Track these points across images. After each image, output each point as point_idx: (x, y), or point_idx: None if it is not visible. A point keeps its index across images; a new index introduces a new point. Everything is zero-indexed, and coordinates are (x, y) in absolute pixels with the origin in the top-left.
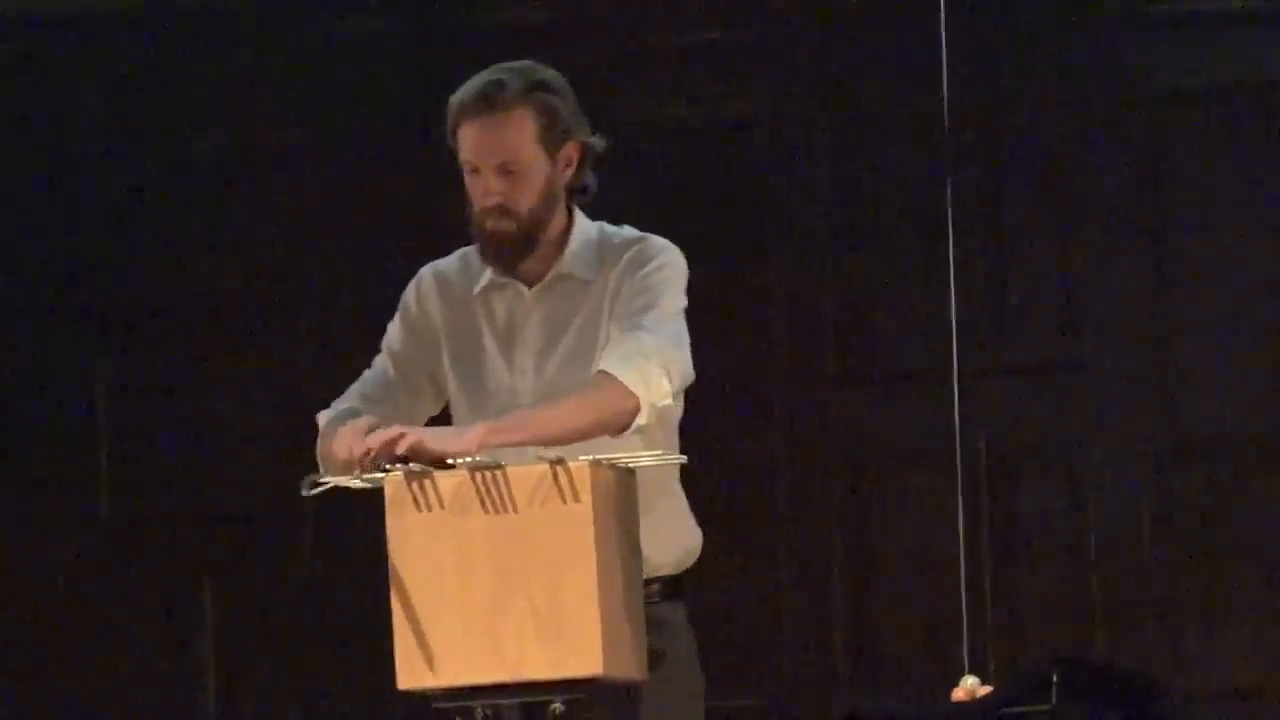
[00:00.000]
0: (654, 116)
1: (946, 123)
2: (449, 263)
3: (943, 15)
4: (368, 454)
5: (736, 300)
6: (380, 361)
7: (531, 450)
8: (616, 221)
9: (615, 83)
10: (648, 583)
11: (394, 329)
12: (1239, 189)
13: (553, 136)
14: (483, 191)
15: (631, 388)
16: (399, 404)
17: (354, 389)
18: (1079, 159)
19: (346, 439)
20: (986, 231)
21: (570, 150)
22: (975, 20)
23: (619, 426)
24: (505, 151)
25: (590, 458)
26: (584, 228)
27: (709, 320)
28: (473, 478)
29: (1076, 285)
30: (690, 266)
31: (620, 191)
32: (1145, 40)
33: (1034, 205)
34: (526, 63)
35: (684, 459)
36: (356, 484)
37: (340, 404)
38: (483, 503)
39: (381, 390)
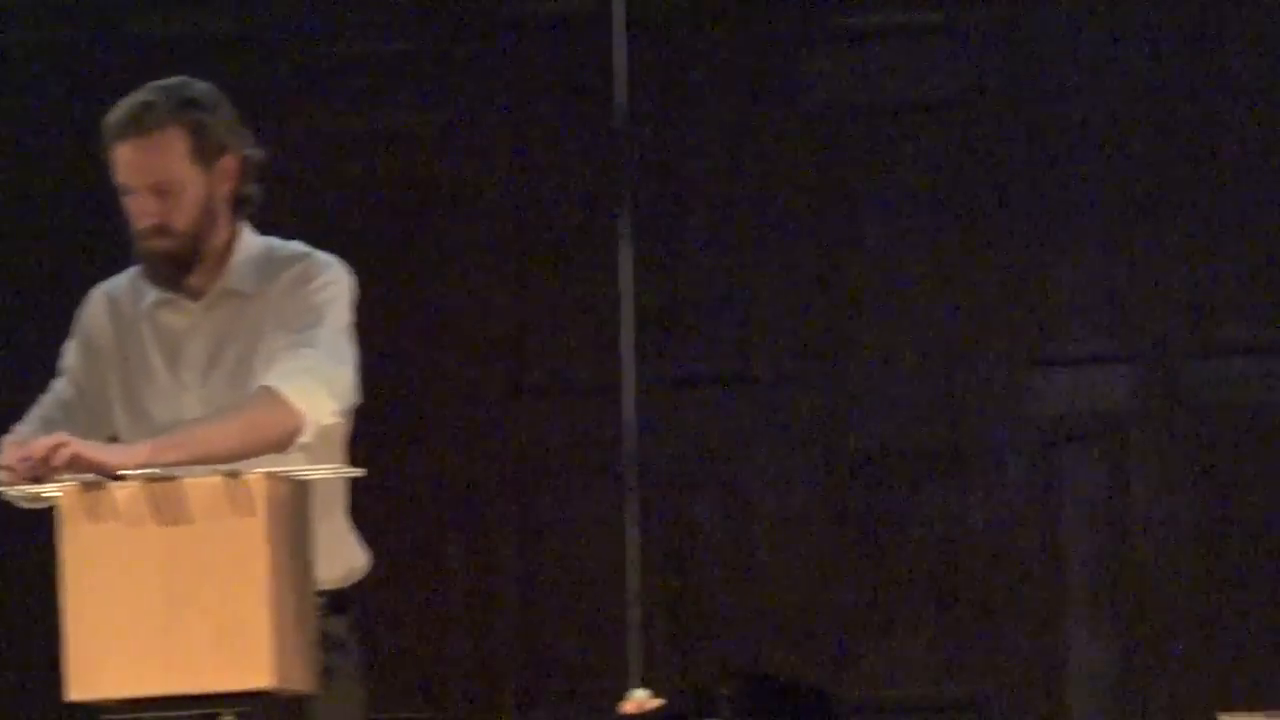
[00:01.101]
0: (329, 126)
1: (621, 138)
2: (118, 281)
3: (615, 28)
4: (27, 462)
5: (408, 313)
6: (58, 383)
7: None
8: (289, 234)
9: (290, 93)
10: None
11: (69, 350)
12: (912, 203)
13: (206, 153)
14: (139, 212)
15: (294, 405)
16: (78, 425)
17: (34, 412)
18: (755, 173)
19: (8, 451)
20: (661, 245)
21: (228, 164)
22: (651, 33)
23: (282, 444)
24: (156, 172)
25: (265, 470)
26: (249, 242)
27: (380, 334)
28: (147, 489)
29: (749, 298)
30: (361, 280)
31: (293, 202)
32: (820, 54)
33: (710, 218)
34: (178, 79)
35: (361, 472)
36: (26, 497)
37: (21, 427)
38: (157, 514)
39: (60, 411)
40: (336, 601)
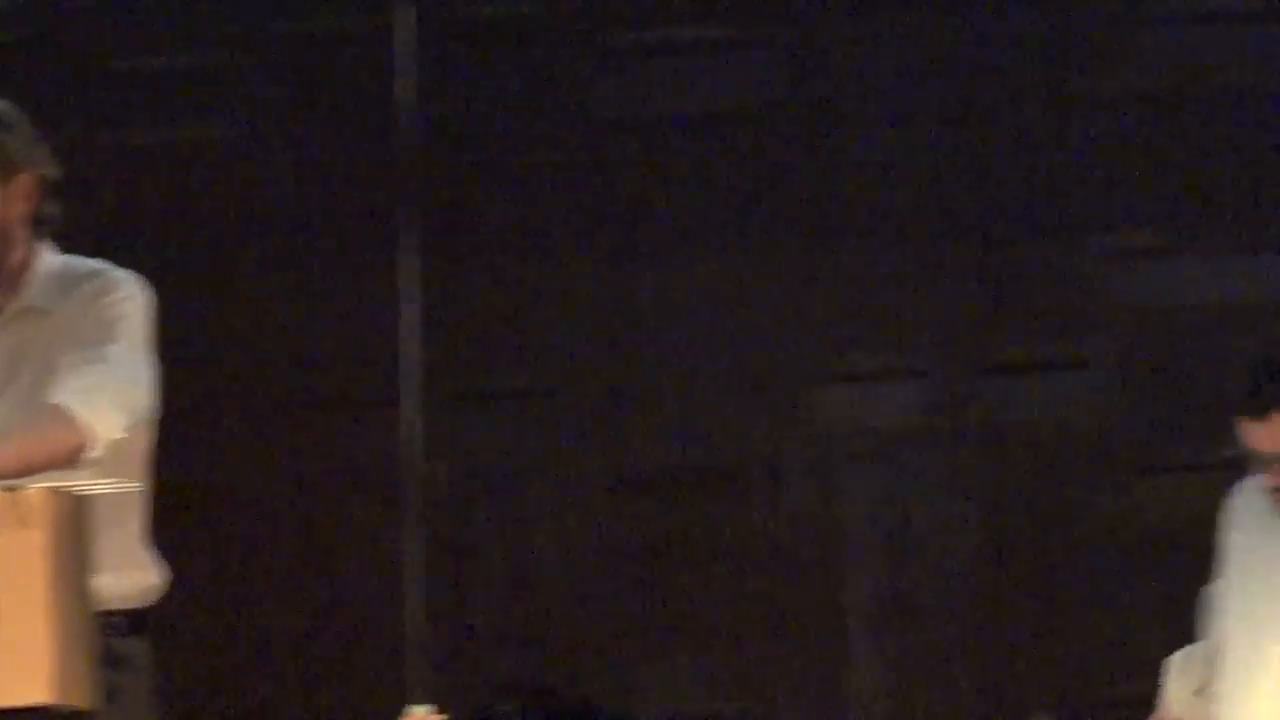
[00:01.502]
0: (111, 140)
1: (406, 152)
2: None
3: (400, 42)
4: None
5: (196, 329)
6: None
7: None
8: (72, 248)
9: (85, 107)
10: (109, 614)
11: None
12: (698, 219)
13: (1, 171)
14: None
15: (81, 421)
16: None
17: None
18: (542, 187)
19: None
20: (446, 259)
21: (24, 183)
22: (439, 47)
23: (68, 460)
24: None
25: (46, 484)
26: (47, 260)
27: (172, 349)
28: None
29: (534, 313)
30: (155, 295)
31: (87, 217)
32: (608, 69)
33: (496, 233)
34: None
35: (140, 486)
36: None
37: None
38: None
39: None
40: (133, 621)
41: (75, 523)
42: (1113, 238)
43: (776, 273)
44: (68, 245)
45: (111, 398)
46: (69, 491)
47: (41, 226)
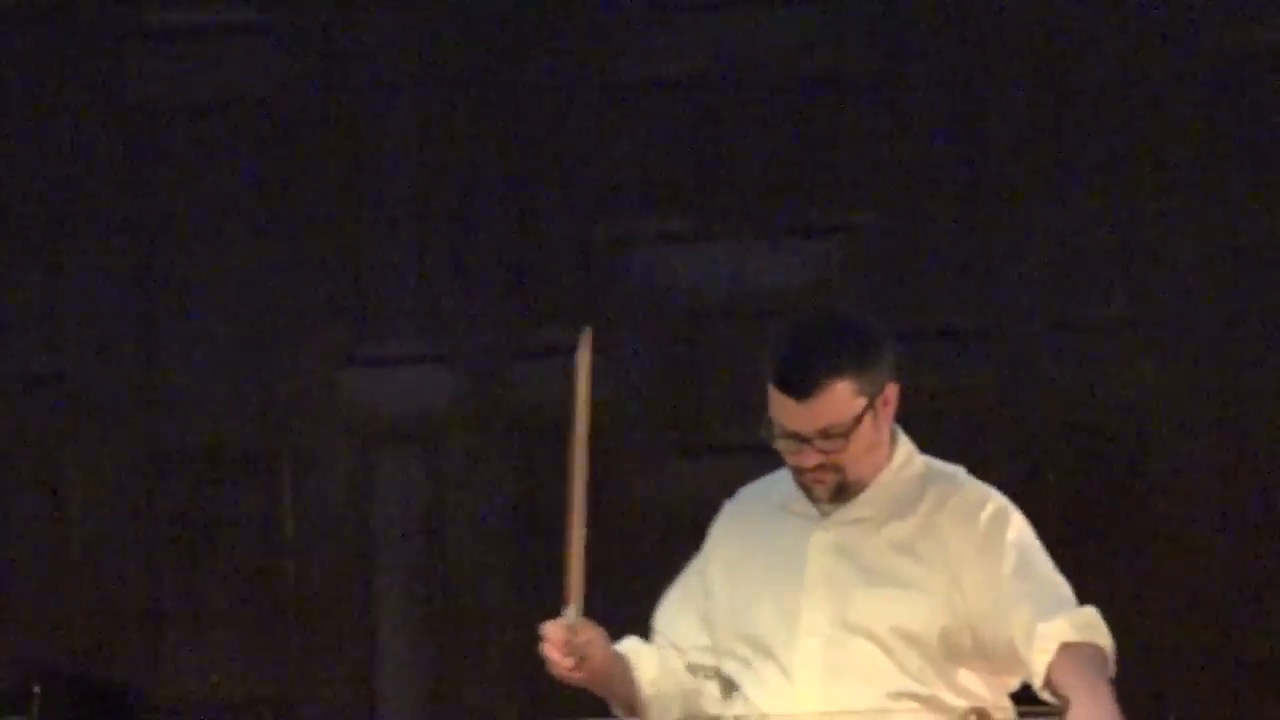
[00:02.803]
0: None
1: None
2: None
3: None
4: None
5: None
6: None
7: None
8: None
9: None
10: None
11: None
12: (230, 200)
13: None
14: None
15: None
16: None
17: None
18: (69, 168)
19: None
20: None
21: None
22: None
23: None
24: None
25: None
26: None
27: None
28: None
29: (62, 295)
30: None
31: None
32: (140, 50)
33: (16, 220)
34: None
35: None
36: None
37: None
38: None
39: None
40: None
41: None
42: (640, 223)
43: (311, 254)
44: None
45: None
46: None
47: None
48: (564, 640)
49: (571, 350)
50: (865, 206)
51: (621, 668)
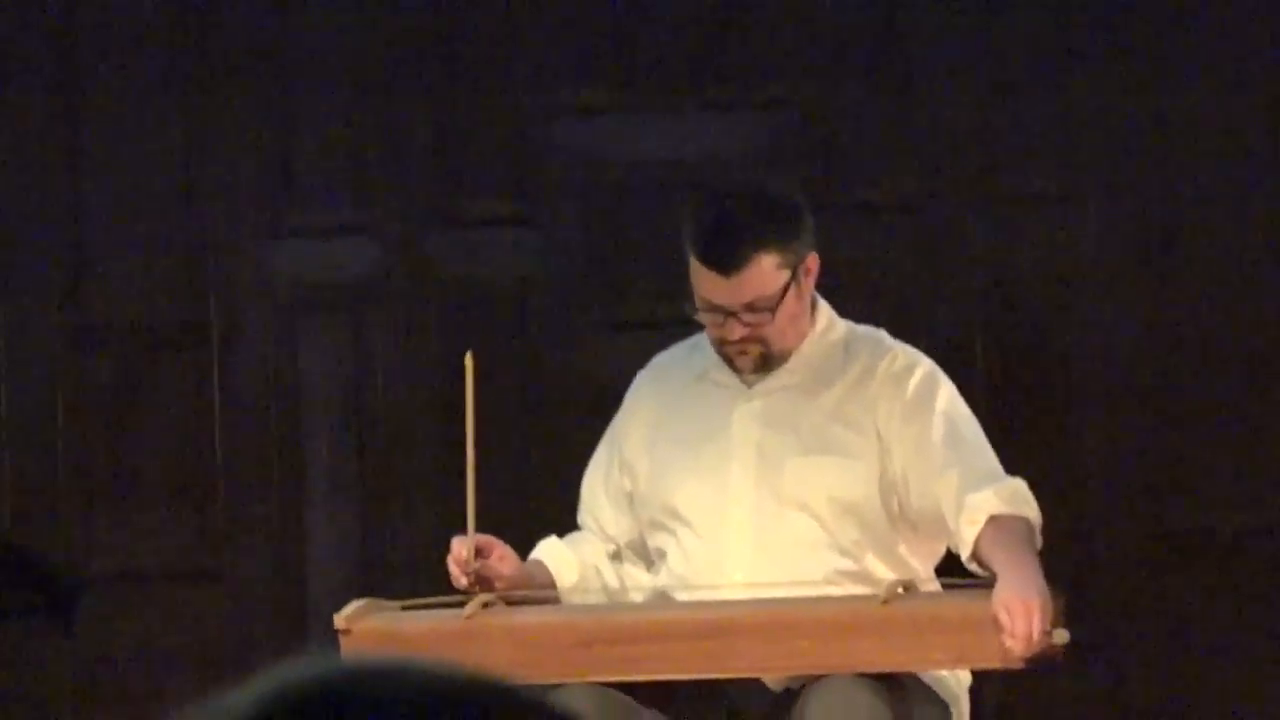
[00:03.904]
0: None
1: None
2: None
3: None
4: None
5: None
6: None
7: None
8: None
9: None
10: None
11: None
12: (149, 72)
13: None
14: None
15: None
16: None
17: None
18: None
19: None
20: None
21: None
22: None
23: None
24: None
25: None
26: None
27: None
28: None
29: None
30: None
31: None
32: None
33: None
34: None
35: None
36: None
37: None
38: None
39: None
40: None
41: None
42: (569, 94)
43: (236, 125)
44: None
45: None
46: None
47: None
48: (464, 559)
49: (500, 222)
50: (793, 79)
51: (542, 577)
